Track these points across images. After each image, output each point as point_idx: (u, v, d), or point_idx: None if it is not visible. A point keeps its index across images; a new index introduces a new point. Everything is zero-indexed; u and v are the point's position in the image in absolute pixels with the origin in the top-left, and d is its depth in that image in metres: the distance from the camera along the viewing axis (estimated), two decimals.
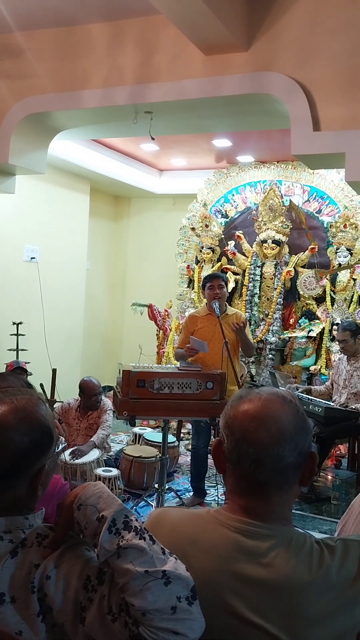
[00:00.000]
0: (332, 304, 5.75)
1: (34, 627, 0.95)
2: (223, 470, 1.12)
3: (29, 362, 5.34)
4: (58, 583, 0.96)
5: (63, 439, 4.29)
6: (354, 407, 4.46)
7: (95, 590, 0.94)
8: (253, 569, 1.00)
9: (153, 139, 4.22)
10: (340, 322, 5.16)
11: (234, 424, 1.08)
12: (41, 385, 4.73)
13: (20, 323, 5.45)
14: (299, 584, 0.99)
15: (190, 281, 6.57)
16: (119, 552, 0.92)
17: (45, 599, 0.96)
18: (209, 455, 4.30)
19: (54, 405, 4.74)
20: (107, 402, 4.57)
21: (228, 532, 1.05)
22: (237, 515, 1.06)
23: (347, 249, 5.65)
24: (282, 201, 5.92)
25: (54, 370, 4.98)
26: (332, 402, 4.71)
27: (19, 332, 5.41)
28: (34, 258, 6.04)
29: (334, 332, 5.27)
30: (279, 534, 1.04)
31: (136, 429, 5.14)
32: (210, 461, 4.43)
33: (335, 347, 5.37)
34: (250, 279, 6.00)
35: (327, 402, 4.53)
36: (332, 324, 5.57)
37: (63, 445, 4.17)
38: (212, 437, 4.37)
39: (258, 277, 5.98)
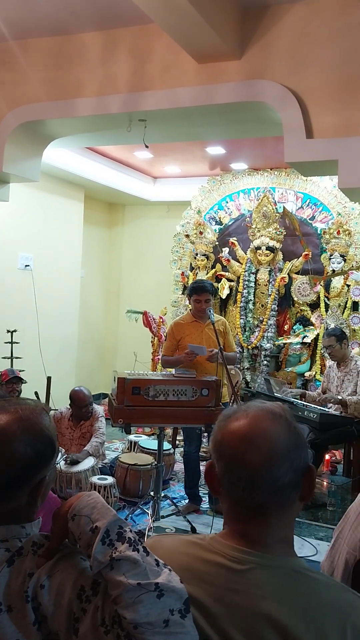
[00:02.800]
0: (326, 310, 5.76)
1: (30, 636, 0.95)
2: (218, 493, 1.06)
3: (23, 370, 5.32)
4: (51, 592, 0.95)
5: (63, 450, 4.28)
6: (340, 397, 4.48)
7: (89, 601, 0.93)
8: (251, 601, 0.95)
9: (147, 146, 4.23)
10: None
11: (223, 446, 1.02)
12: (36, 393, 4.72)
13: (15, 331, 5.43)
14: (303, 622, 0.93)
15: (185, 288, 6.57)
16: (112, 563, 0.90)
17: (39, 607, 0.96)
18: (200, 460, 4.29)
19: (49, 414, 4.71)
20: (98, 409, 4.55)
21: (223, 561, 1.00)
22: (233, 542, 1.01)
23: (341, 255, 5.68)
24: (276, 208, 5.95)
25: (49, 378, 4.96)
26: (327, 407, 4.72)
27: (13, 340, 5.40)
28: (28, 266, 6.03)
29: None
30: (278, 564, 0.99)
31: (131, 437, 5.12)
32: (203, 468, 4.42)
33: None
34: (245, 286, 6.01)
35: (322, 408, 4.54)
36: (323, 337, 5.59)
37: (64, 456, 4.15)
38: (203, 441, 4.38)
39: (252, 284, 6.00)
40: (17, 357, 5.40)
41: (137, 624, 0.86)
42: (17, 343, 5.43)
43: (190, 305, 4.28)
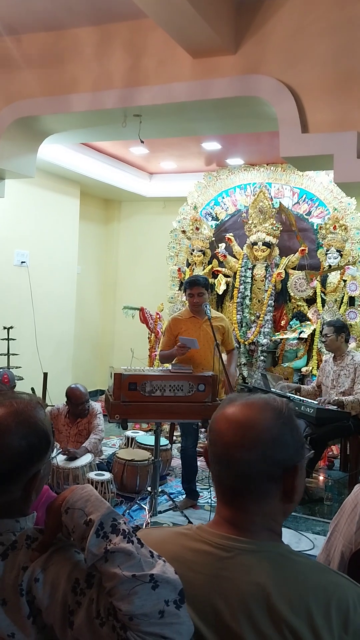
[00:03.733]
0: (323, 306, 5.77)
1: (25, 630, 0.95)
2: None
3: (19, 367, 5.32)
4: (46, 585, 0.96)
5: (58, 445, 4.27)
6: (337, 399, 4.49)
7: (83, 593, 0.94)
8: (239, 587, 0.97)
9: (142, 142, 4.22)
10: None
11: (212, 423, 1.08)
12: (32, 389, 4.72)
13: (11, 328, 5.42)
14: (289, 603, 0.95)
15: (182, 284, 6.57)
16: (106, 556, 0.90)
17: (34, 601, 0.96)
18: (197, 456, 4.30)
19: (46, 410, 4.71)
20: (96, 406, 4.55)
21: (210, 549, 1.02)
22: (220, 529, 1.04)
23: (337, 251, 5.68)
24: (272, 203, 5.95)
25: (45, 375, 4.96)
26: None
27: (9, 337, 5.39)
28: (24, 262, 6.02)
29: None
30: (263, 549, 1.01)
31: (129, 433, 5.13)
32: (200, 463, 4.43)
33: None
34: (241, 281, 6.01)
35: (317, 402, 4.54)
36: (323, 326, 5.60)
37: (59, 451, 4.15)
38: (200, 437, 4.38)
39: (249, 280, 6.00)
40: (13, 354, 5.39)
41: (133, 615, 0.86)
42: (13, 340, 5.43)
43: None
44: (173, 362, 4.05)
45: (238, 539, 1.01)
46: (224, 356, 4.17)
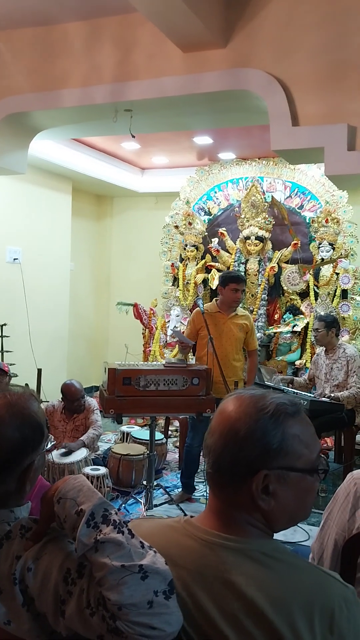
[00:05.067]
0: (316, 299, 5.79)
1: (20, 618, 0.96)
2: None
3: (14, 364, 5.32)
4: (38, 575, 0.97)
5: (52, 437, 4.27)
6: (333, 395, 4.51)
7: (74, 583, 0.94)
8: (220, 585, 0.96)
9: (133, 136, 4.22)
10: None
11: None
12: (26, 385, 4.71)
13: (4, 325, 5.42)
14: (269, 601, 0.92)
15: (175, 279, 6.58)
16: (96, 545, 0.91)
17: (27, 590, 0.97)
18: (202, 454, 4.30)
19: (40, 405, 4.71)
20: (92, 402, 4.55)
21: (194, 545, 1.01)
22: (206, 523, 1.03)
23: (330, 244, 5.70)
24: (264, 197, 5.96)
25: (39, 371, 4.96)
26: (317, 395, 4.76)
27: (3, 334, 5.39)
28: (16, 259, 6.01)
29: None
30: (244, 548, 0.99)
31: (124, 428, 5.14)
32: (202, 459, 4.44)
33: None
34: None
35: (311, 395, 4.57)
36: (314, 320, 5.63)
37: (52, 443, 4.15)
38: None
39: (242, 274, 6.01)
40: (7, 351, 5.39)
41: (122, 605, 0.87)
42: (7, 337, 5.42)
43: (188, 296, 4.25)
44: (177, 357, 4.05)
45: (222, 536, 1.00)
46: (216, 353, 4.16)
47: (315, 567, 1.02)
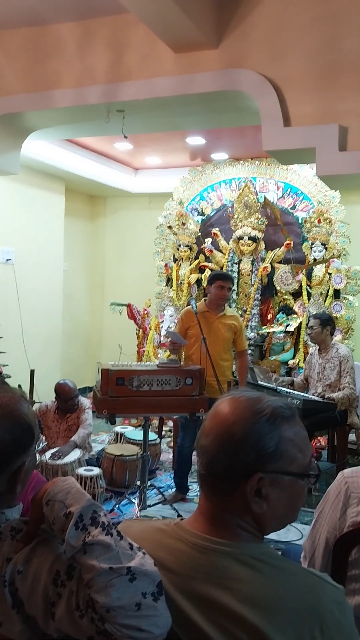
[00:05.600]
0: (309, 299, 5.81)
1: (11, 620, 0.96)
2: None
3: (7, 365, 5.31)
4: (28, 577, 0.96)
5: (43, 438, 4.27)
6: (327, 396, 4.52)
7: (64, 585, 0.94)
8: (210, 590, 0.94)
9: (126, 137, 4.22)
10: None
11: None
12: (19, 386, 4.70)
13: None
14: (259, 606, 0.92)
15: (169, 279, 6.58)
16: (84, 548, 0.91)
17: (16, 592, 0.97)
18: (193, 453, 4.31)
19: (33, 406, 4.70)
20: (85, 401, 4.55)
21: (185, 548, 1.00)
22: (196, 527, 1.03)
23: (322, 244, 5.72)
24: (257, 198, 5.97)
25: (32, 372, 4.94)
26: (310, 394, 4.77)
27: None
28: (9, 260, 5.99)
29: None
30: (236, 552, 0.98)
31: (118, 428, 5.14)
32: (195, 458, 4.44)
33: None
34: None
35: (304, 394, 4.58)
36: (309, 318, 5.64)
37: (43, 444, 4.15)
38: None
39: (235, 274, 6.03)
40: (0, 352, 5.37)
41: (110, 607, 0.87)
42: (0, 338, 5.40)
43: (182, 296, 4.25)
44: (170, 357, 4.05)
45: (213, 540, 0.99)
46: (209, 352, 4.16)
47: (305, 571, 1.02)
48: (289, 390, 4.63)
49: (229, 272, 5.96)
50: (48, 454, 4.12)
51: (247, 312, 5.95)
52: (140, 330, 6.39)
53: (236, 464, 0.98)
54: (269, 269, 5.93)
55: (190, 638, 0.94)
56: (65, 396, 4.39)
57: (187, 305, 4.08)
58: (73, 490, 0.98)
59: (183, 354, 4.18)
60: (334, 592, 0.97)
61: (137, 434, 4.88)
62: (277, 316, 5.97)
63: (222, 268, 6.11)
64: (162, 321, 6.31)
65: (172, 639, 0.93)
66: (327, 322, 4.72)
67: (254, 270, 5.97)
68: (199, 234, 6.37)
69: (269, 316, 6.04)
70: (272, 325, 5.95)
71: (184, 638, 0.94)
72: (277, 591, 0.94)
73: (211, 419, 1.03)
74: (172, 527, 1.06)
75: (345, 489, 1.57)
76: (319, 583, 0.98)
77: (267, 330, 5.93)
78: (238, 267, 6.04)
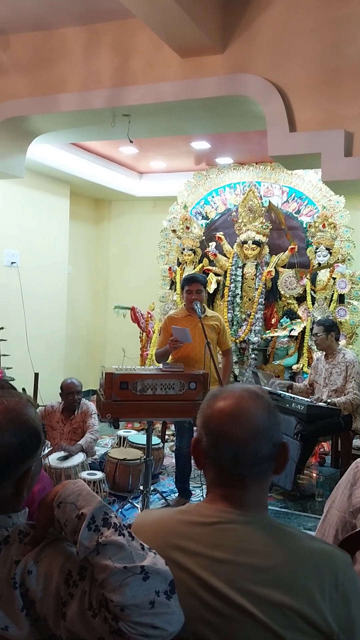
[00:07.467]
0: (313, 303, 5.81)
1: (18, 622, 0.96)
2: (202, 466, 1.17)
3: (10, 368, 5.31)
4: (39, 577, 0.97)
5: (49, 442, 4.27)
6: (329, 401, 4.51)
7: (76, 585, 0.95)
8: (233, 553, 1.04)
9: (131, 141, 4.24)
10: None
11: (211, 422, 1.12)
12: (23, 390, 4.70)
13: (2, 328, 5.41)
14: (282, 566, 1.03)
15: (172, 283, 6.58)
16: (98, 548, 0.92)
17: (27, 593, 0.97)
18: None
19: (37, 410, 4.70)
20: (91, 405, 4.55)
21: (207, 520, 1.09)
22: (216, 505, 1.11)
23: (327, 249, 5.72)
24: (262, 202, 5.97)
25: (36, 375, 4.95)
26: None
27: (0, 338, 5.38)
28: (14, 263, 6.00)
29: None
30: (259, 519, 1.09)
31: (121, 432, 5.13)
32: (194, 462, 4.44)
33: None
34: (232, 280, 6.03)
35: (309, 399, 4.57)
36: (313, 323, 5.63)
37: (49, 448, 4.15)
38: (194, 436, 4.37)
39: (239, 278, 6.02)
40: (4, 355, 5.38)
41: (124, 606, 0.88)
42: (4, 340, 5.41)
43: (184, 300, 4.28)
44: (167, 361, 4.05)
45: (233, 511, 1.09)
46: (214, 357, 4.16)
47: (312, 536, 1.16)
48: (293, 396, 4.62)
49: (235, 276, 5.96)
50: (53, 455, 4.11)
51: (251, 316, 5.95)
52: (144, 333, 6.39)
53: (275, 445, 1.12)
54: (273, 273, 5.92)
55: (216, 611, 1.01)
56: (68, 389, 4.42)
57: (192, 311, 4.06)
58: (84, 493, 0.99)
59: (170, 356, 4.15)
60: (344, 554, 1.10)
61: (140, 438, 4.87)
62: (281, 320, 5.96)
63: (226, 272, 6.12)
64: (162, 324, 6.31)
65: (206, 612, 1.00)
66: (331, 328, 4.72)
67: (258, 274, 5.97)
68: (203, 237, 6.37)
69: (273, 320, 6.04)
70: (276, 329, 5.94)
71: (210, 611, 1.00)
72: (297, 553, 1.05)
73: (236, 425, 1.10)
74: (193, 507, 1.15)
75: (355, 471, 1.60)
76: (329, 546, 1.14)
77: (271, 335, 5.92)
78: (242, 271, 6.04)
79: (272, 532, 1.08)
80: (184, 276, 4.41)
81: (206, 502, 1.14)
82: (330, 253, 5.73)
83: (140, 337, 6.44)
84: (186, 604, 0.96)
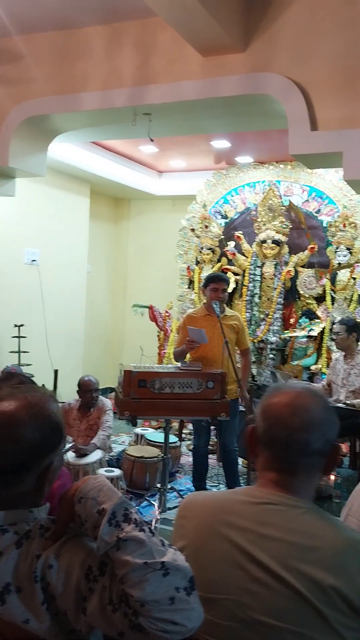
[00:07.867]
0: (333, 303, 5.76)
1: (39, 616, 0.97)
2: (255, 454, 1.25)
3: (30, 364, 5.36)
4: (60, 572, 0.98)
5: (71, 438, 4.31)
6: (349, 402, 4.47)
7: (96, 580, 0.96)
8: (280, 531, 1.11)
9: (152, 140, 4.24)
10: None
11: (269, 410, 1.22)
12: (43, 386, 4.75)
13: (22, 325, 5.47)
14: (327, 548, 1.09)
15: (191, 282, 6.59)
16: (118, 544, 0.93)
17: (48, 587, 0.98)
18: (209, 454, 4.30)
19: (59, 406, 4.73)
20: (106, 402, 4.57)
21: (257, 500, 1.17)
22: (266, 488, 1.19)
23: (347, 248, 5.67)
24: (282, 201, 5.94)
25: (56, 372, 5.00)
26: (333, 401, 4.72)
27: (20, 335, 5.43)
28: (34, 261, 6.06)
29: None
30: (306, 505, 1.17)
31: (138, 430, 5.15)
32: (211, 461, 4.43)
33: None
34: (251, 279, 6.01)
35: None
36: (333, 323, 5.59)
37: (71, 444, 4.18)
38: (211, 437, 4.37)
39: (258, 277, 6.00)
40: (24, 352, 5.43)
41: (144, 601, 0.89)
42: (24, 337, 5.47)
43: (204, 299, 4.25)
44: (185, 359, 4.04)
45: (282, 495, 1.17)
46: (233, 356, 4.15)
47: (353, 528, 1.29)
48: None
49: (254, 275, 5.94)
50: (70, 453, 4.15)
51: (270, 316, 5.92)
52: (162, 332, 6.40)
53: (328, 443, 1.19)
54: (293, 273, 5.89)
55: (257, 579, 1.07)
56: (85, 387, 4.44)
57: (210, 309, 4.05)
58: (105, 488, 1.00)
59: (188, 355, 4.14)
60: None
61: (158, 436, 4.89)
62: (300, 320, 5.93)
63: (244, 271, 6.09)
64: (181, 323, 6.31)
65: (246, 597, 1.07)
66: (353, 328, 4.68)
67: (277, 274, 5.94)
68: (222, 236, 6.36)
69: (292, 320, 6.00)
70: (295, 329, 5.90)
71: (253, 578, 1.07)
72: (342, 538, 1.13)
73: (293, 415, 1.18)
74: (243, 489, 1.25)
75: None
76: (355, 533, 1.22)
77: (290, 335, 5.88)
78: (261, 271, 6.01)
79: (318, 517, 1.15)
80: (209, 274, 4.38)
81: (257, 485, 1.21)
82: (351, 253, 5.68)
83: (158, 335, 6.46)
84: (231, 574, 1.06)
